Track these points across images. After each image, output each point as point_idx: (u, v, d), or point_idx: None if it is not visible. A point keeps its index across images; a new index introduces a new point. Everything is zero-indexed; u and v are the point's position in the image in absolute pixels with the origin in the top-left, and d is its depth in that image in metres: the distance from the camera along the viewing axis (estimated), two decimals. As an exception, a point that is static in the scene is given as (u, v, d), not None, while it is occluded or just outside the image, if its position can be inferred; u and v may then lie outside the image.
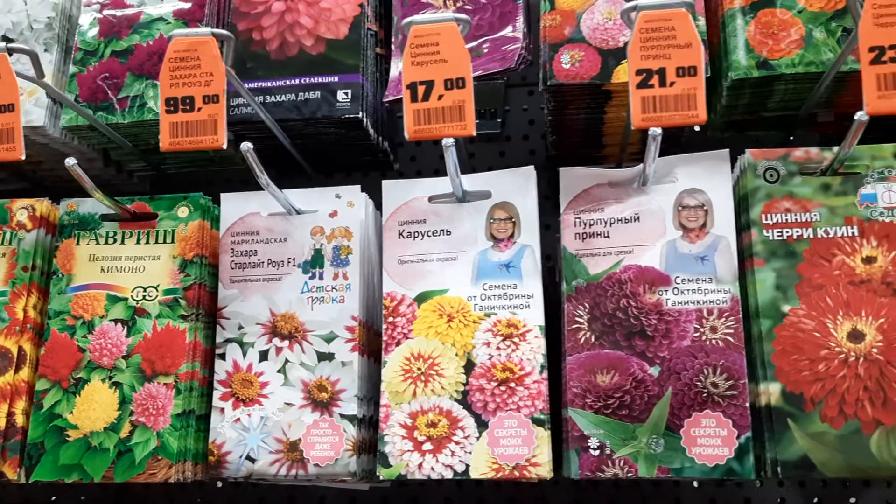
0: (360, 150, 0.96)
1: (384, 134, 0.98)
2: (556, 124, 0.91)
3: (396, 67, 0.89)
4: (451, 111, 0.62)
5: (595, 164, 0.86)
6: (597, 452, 0.73)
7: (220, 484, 0.89)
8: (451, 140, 0.71)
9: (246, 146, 0.74)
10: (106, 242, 0.87)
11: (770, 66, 0.80)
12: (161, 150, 0.67)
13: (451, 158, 0.74)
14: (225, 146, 0.68)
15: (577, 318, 0.76)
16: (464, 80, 0.61)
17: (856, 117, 0.66)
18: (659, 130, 0.69)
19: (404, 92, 0.62)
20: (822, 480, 0.92)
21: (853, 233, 0.73)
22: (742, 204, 0.76)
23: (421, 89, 0.62)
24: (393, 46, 0.91)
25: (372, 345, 0.85)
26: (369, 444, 0.82)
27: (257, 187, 0.81)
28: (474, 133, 0.63)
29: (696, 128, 0.90)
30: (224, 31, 0.69)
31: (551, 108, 0.88)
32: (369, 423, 0.83)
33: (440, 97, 0.62)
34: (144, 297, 0.84)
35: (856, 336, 0.71)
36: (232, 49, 0.72)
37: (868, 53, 0.59)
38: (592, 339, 0.75)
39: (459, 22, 0.63)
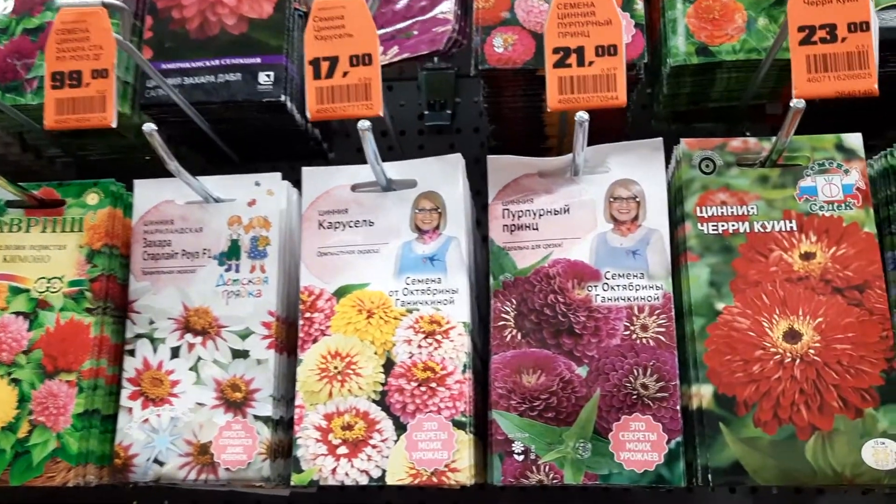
0: (289, 138, 0.91)
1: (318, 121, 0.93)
2: (494, 112, 0.87)
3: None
4: (357, 89, 0.57)
5: (540, 155, 0.82)
6: (521, 457, 0.69)
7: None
8: (367, 123, 0.67)
9: (149, 128, 0.69)
10: (10, 230, 0.81)
11: (710, 52, 0.76)
12: (45, 127, 0.62)
13: (369, 143, 0.69)
14: (114, 124, 0.63)
15: (503, 315, 0.72)
16: (370, 57, 0.57)
17: (791, 104, 0.62)
18: (585, 116, 0.64)
19: (306, 68, 0.57)
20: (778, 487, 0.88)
21: (791, 227, 0.70)
22: (677, 196, 0.72)
23: (324, 66, 0.58)
24: (322, 28, 0.86)
25: (291, 342, 0.80)
26: (286, 448, 0.77)
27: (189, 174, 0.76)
28: (381, 113, 0.59)
29: (656, 122, 0.86)
30: (117, 2, 0.64)
31: (486, 94, 0.83)
32: (287, 425, 0.78)
33: (345, 74, 0.57)
34: (48, 288, 0.79)
35: (792, 336, 0.67)
36: (129, 21, 0.67)
37: (797, 33, 0.55)
38: (519, 337, 0.71)
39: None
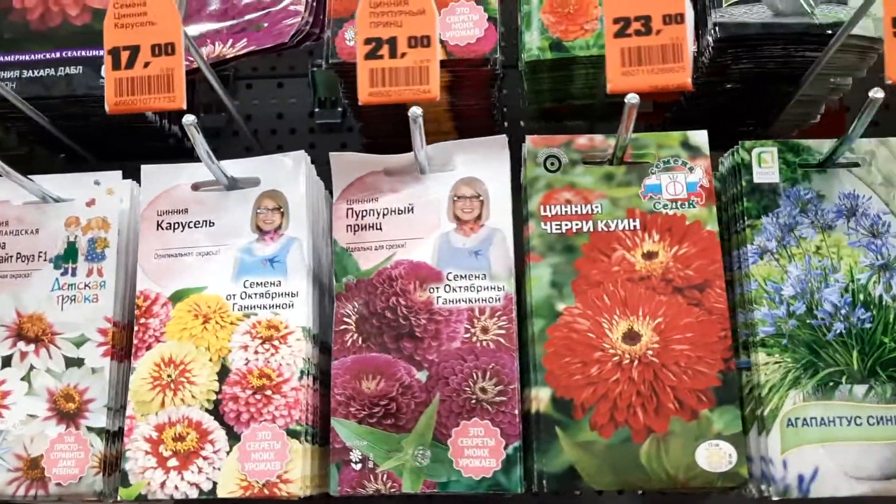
0: (145, 135, 0.87)
1: (172, 117, 0.89)
2: (356, 108, 0.84)
3: (174, 42, 0.80)
4: (159, 80, 0.54)
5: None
6: (358, 466, 0.66)
7: None
8: (192, 118, 0.64)
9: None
10: None
11: (563, 48, 0.75)
12: None
13: (198, 139, 0.66)
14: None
15: (345, 319, 0.69)
16: (173, 46, 0.54)
17: (626, 100, 0.61)
18: (419, 111, 0.62)
19: (105, 58, 0.54)
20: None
21: (635, 226, 0.68)
22: (525, 195, 0.71)
23: (124, 55, 0.54)
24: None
25: (130, 349, 0.76)
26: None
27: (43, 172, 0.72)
28: (183, 106, 0.56)
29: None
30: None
31: (344, 90, 0.81)
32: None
33: (146, 65, 0.54)
34: None
35: (631, 337, 0.66)
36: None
37: (613, 25, 0.53)
38: (360, 342, 0.68)
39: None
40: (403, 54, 0.53)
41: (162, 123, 0.86)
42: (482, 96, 0.80)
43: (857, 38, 0.71)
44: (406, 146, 0.91)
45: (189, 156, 0.95)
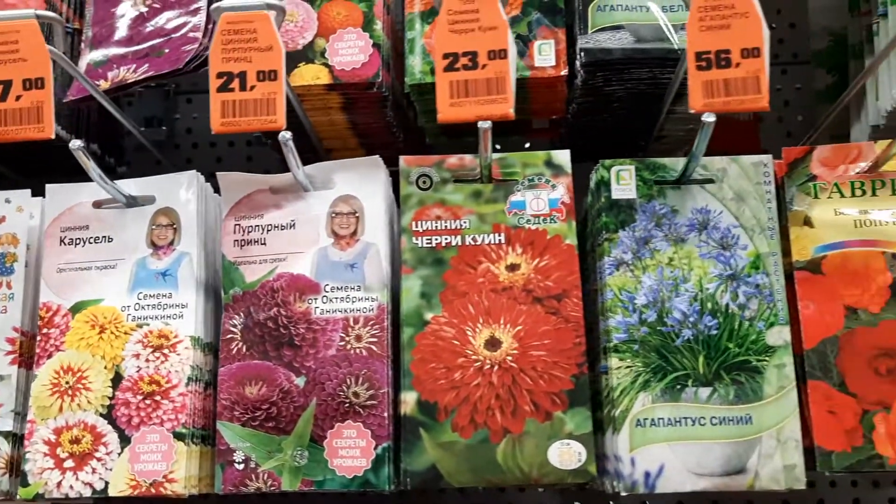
0: (58, 154, 0.91)
1: (92, 135, 0.94)
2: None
3: (84, 62, 0.85)
4: (30, 112, 0.59)
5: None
6: (241, 466, 0.71)
7: None
8: (78, 142, 0.69)
9: None
10: None
11: (444, 71, 0.79)
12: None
13: (88, 163, 0.71)
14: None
15: (231, 329, 0.74)
16: (43, 81, 0.58)
17: (479, 126, 0.66)
18: (288, 135, 0.67)
19: (-21, 93, 0.59)
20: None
21: (500, 240, 0.73)
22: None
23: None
24: (83, 43, 0.87)
25: (40, 357, 0.81)
26: (31, 461, 0.78)
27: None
28: (51, 135, 0.60)
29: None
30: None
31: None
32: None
33: (18, 98, 0.59)
34: None
35: (493, 344, 0.71)
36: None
37: (442, 60, 0.58)
38: (244, 350, 0.73)
39: (40, 18, 0.60)
40: (252, 87, 0.58)
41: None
42: (377, 116, 0.85)
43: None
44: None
45: (111, 171, 1.00)
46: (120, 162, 1.01)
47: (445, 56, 0.57)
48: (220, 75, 0.58)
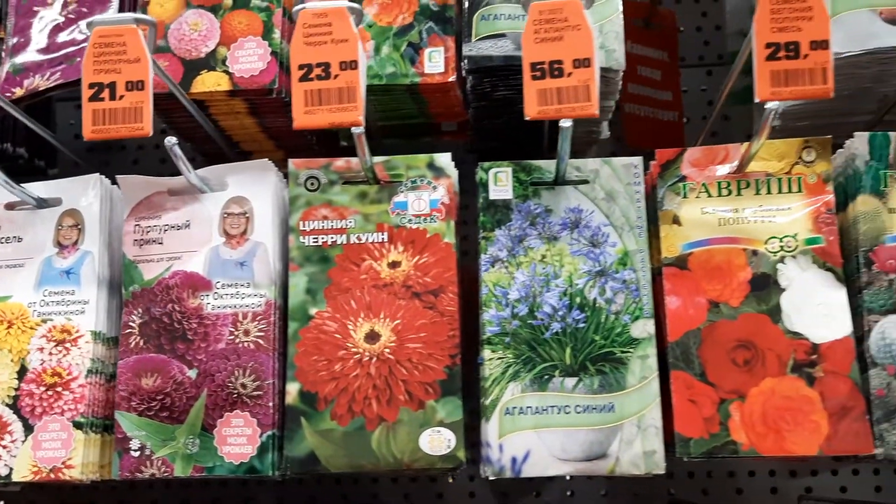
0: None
1: (19, 139, 0.98)
2: (180, 133, 0.93)
3: (4, 70, 0.89)
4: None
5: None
6: (137, 454, 0.75)
7: None
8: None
9: None
10: None
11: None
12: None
13: (-9, 168, 0.75)
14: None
15: (130, 324, 0.78)
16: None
17: (353, 131, 0.70)
18: (173, 140, 0.71)
19: None
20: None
21: (383, 239, 0.77)
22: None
23: None
24: (4, 52, 0.91)
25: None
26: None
27: None
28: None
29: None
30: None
31: (162, 118, 0.90)
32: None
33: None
34: None
35: (372, 337, 0.75)
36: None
37: (298, 71, 0.62)
38: (141, 344, 0.77)
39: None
40: (121, 97, 0.62)
41: (4, 147, 0.95)
42: (284, 119, 0.88)
43: (590, 67, 0.80)
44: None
45: (42, 173, 1.04)
46: (51, 164, 1.05)
47: (300, 67, 0.61)
48: (91, 86, 0.62)
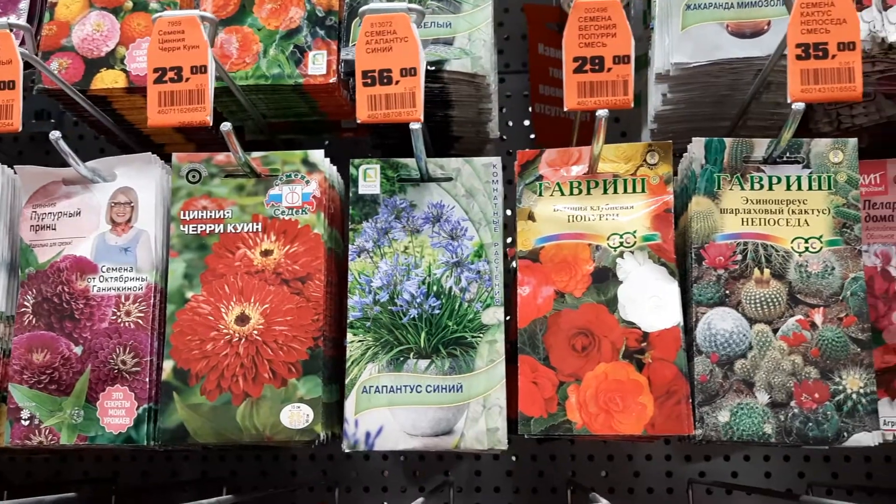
0: None
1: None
2: (94, 126, 0.99)
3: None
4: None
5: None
6: (27, 423, 0.82)
7: None
8: None
9: None
10: None
11: (229, 78, 0.89)
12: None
13: None
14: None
15: (24, 304, 0.84)
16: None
17: (221, 128, 0.76)
18: (57, 134, 0.77)
19: None
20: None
21: (257, 229, 0.83)
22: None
23: None
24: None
25: None
26: None
27: None
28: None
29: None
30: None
31: (70, 113, 0.96)
32: None
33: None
34: None
35: (242, 319, 0.81)
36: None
37: (153, 73, 0.68)
38: (34, 322, 0.83)
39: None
40: (187, 79, 0.67)
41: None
42: (186, 115, 0.94)
43: (457, 73, 0.86)
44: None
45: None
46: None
47: (155, 70, 0.67)
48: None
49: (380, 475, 1.25)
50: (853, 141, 0.79)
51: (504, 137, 1.29)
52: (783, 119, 0.84)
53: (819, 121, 0.95)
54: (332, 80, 0.88)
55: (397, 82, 0.66)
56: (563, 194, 0.83)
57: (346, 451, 0.78)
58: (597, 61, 0.65)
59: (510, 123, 1.29)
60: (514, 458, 1.25)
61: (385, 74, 0.66)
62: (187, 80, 0.67)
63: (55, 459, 1.28)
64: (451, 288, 0.81)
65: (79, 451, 1.25)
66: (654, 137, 0.98)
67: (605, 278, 0.80)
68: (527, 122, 1.28)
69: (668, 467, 1.24)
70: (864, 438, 0.74)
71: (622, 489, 1.24)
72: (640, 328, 0.78)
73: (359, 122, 0.67)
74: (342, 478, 1.25)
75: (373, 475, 1.25)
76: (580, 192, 0.83)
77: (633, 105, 0.67)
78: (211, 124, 0.70)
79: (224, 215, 0.83)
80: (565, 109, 0.68)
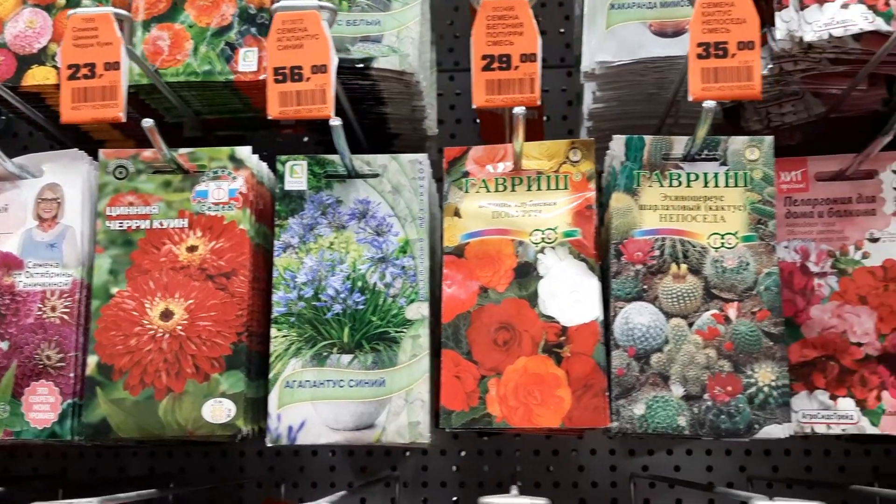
0: None
1: None
2: (31, 124, 0.99)
3: None
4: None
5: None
6: (-47, 418, 0.82)
7: None
8: None
9: None
10: None
11: (160, 74, 0.89)
12: None
13: None
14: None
15: (-49, 299, 0.84)
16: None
17: (142, 123, 0.76)
18: (-21, 131, 0.77)
19: None
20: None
21: (183, 224, 0.83)
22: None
23: None
24: None
25: None
26: None
27: None
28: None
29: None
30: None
31: (5, 109, 0.96)
32: None
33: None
34: None
35: (166, 315, 0.81)
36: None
37: (66, 70, 0.68)
38: (-39, 318, 0.84)
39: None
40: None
41: None
42: (120, 112, 0.94)
43: (386, 70, 0.86)
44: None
45: None
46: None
47: (69, 67, 0.68)
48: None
49: (327, 471, 1.26)
50: (769, 139, 0.81)
51: (454, 135, 1.30)
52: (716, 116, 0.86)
53: (749, 119, 0.97)
54: (263, 76, 0.88)
55: (308, 79, 0.66)
56: (488, 191, 0.84)
57: (269, 444, 0.79)
58: (504, 59, 0.66)
59: (460, 121, 1.30)
60: (460, 454, 1.26)
61: (296, 71, 0.66)
62: (101, 76, 0.68)
63: (4, 455, 1.28)
64: (375, 283, 0.82)
65: (27, 448, 1.25)
66: (591, 135, 0.99)
67: (526, 273, 0.81)
68: (479, 121, 1.29)
69: (612, 461, 1.26)
70: (775, 430, 0.75)
71: (567, 483, 1.25)
72: (559, 323, 0.79)
73: (269, 117, 0.68)
74: (289, 473, 1.26)
75: (320, 471, 1.26)
76: (505, 188, 0.84)
77: (539, 102, 0.68)
78: (124, 120, 0.70)
79: (150, 211, 0.84)
80: (473, 107, 0.68)
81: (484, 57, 0.65)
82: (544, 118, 1.28)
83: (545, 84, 1.28)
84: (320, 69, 0.66)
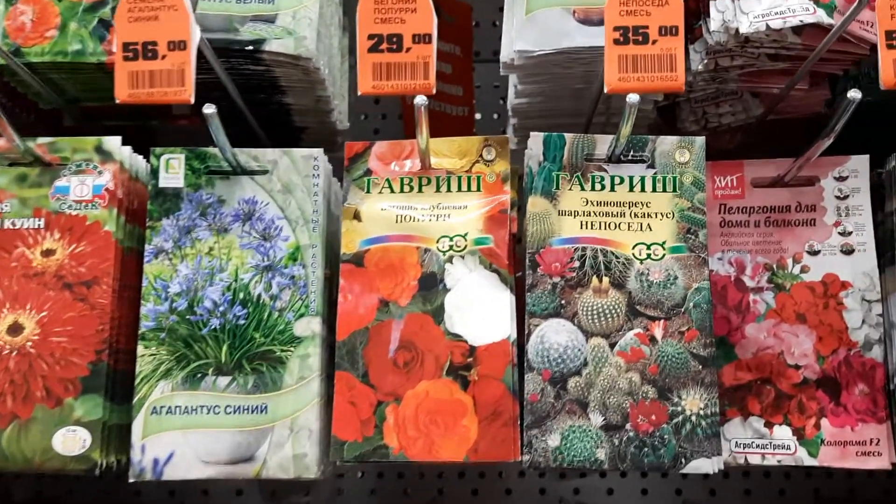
0: None
1: None
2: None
3: None
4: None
5: None
6: None
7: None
8: None
9: None
10: None
11: (22, 54, 0.78)
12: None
13: None
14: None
15: None
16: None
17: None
18: None
19: None
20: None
21: (39, 225, 0.73)
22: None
23: None
24: None
25: None
26: None
27: None
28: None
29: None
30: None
31: None
32: None
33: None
34: None
35: (15, 329, 0.70)
36: None
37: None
38: None
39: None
40: None
41: None
42: None
43: (279, 55, 0.77)
44: None
45: None
46: None
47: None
48: None
49: (234, 495, 1.16)
50: (700, 139, 0.73)
51: (377, 130, 1.21)
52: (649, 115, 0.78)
53: (686, 119, 0.89)
54: (140, 58, 0.78)
55: (164, 57, 0.56)
56: (392, 192, 0.75)
57: (132, 479, 0.69)
58: (394, 40, 0.57)
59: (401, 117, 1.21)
60: (379, 477, 1.16)
61: (150, 48, 0.56)
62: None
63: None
64: (259, 295, 0.72)
65: None
66: (517, 133, 0.91)
67: (432, 285, 0.72)
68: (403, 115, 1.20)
69: (541, 484, 1.17)
70: (702, 465, 0.67)
71: (493, 508, 1.16)
72: (466, 342, 0.70)
73: (118, 101, 0.58)
74: (191, 498, 1.15)
75: (225, 494, 1.15)
76: (411, 189, 0.75)
77: (434, 90, 0.59)
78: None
79: (3, 209, 0.73)
80: (358, 94, 0.59)
81: (371, 37, 0.56)
82: (476, 116, 1.19)
83: (478, 79, 1.20)
84: (178, 45, 0.56)
